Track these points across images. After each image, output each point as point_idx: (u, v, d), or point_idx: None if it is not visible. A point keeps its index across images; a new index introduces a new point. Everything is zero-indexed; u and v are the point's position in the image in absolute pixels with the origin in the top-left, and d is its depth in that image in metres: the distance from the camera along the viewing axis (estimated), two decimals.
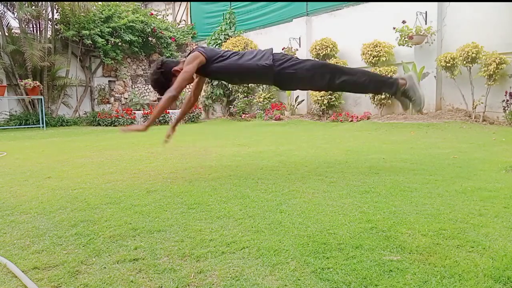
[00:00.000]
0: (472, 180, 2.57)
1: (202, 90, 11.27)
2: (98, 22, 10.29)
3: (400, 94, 2.94)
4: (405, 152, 3.90)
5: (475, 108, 6.53)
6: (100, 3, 10.77)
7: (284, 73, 2.78)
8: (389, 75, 3.11)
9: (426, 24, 7.08)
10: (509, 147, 4.10)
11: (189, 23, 12.90)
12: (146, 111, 10.26)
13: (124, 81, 11.33)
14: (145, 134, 7.18)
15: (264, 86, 9.49)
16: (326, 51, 8.28)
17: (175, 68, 2.76)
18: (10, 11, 10.05)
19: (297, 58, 2.90)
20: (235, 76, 2.96)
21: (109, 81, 11.39)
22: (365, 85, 2.91)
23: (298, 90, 9.37)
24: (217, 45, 10.72)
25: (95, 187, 2.68)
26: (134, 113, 10.21)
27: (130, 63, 11.53)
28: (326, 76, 2.82)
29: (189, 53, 2.79)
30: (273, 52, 2.83)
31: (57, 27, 10.30)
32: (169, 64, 2.80)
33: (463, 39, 6.53)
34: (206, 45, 11.21)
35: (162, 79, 2.77)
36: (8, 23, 10.09)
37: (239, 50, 9.82)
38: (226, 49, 2.92)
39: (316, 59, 2.91)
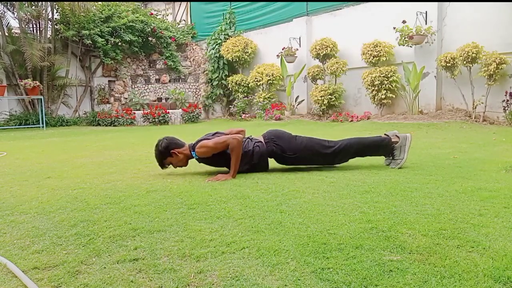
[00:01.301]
0: (472, 180, 2.57)
1: (202, 90, 11.30)
2: (98, 22, 10.29)
3: (390, 149, 3.09)
4: None
5: (475, 108, 6.52)
6: (100, 3, 10.77)
7: (283, 156, 3.04)
8: (382, 136, 3.16)
9: (426, 24, 7.08)
10: (509, 147, 4.10)
11: (189, 23, 12.89)
12: (146, 111, 10.26)
13: (124, 81, 11.32)
14: (145, 135, 7.18)
15: (264, 85, 9.50)
16: (326, 51, 8.27)
17: (174, 150, 3.00)
18: (10, 11, 10.05)
19: (294, 137, 3.06)
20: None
21: (109, 81, 11.39)
22: (360, 148, 3.07)
23: (297, 90, 9.36)
24: (217, 45, 10.72)
25: (95, 187, 2.68)
26: (134, 113, 10.21)
27: (130, 63, 11.53)
28: (324, 157, 3.06)
29: (195, 146, 2.98)
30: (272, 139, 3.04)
31: (57, 27, 10.29)
32: (171, 145, 3.02)
33: (463, 39, 6.52)
34: (206, 44, 11.20)
35: (161, 156, 3.03)
36: (8, 23, 10.10)
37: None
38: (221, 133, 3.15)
39: (310, 147, 3.06)
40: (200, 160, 3.03)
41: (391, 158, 3.11)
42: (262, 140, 3.06)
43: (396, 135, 3.07)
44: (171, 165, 3.10)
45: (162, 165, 3.08)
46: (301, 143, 3.01)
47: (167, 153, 3.00)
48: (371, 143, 3.09)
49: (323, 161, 3.10)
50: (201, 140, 3.00)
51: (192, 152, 3.00)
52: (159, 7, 13.22)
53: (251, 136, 3.16)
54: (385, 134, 3.14)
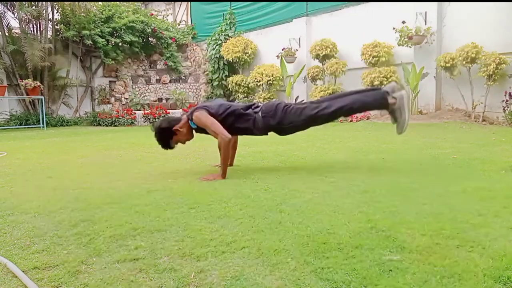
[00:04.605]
0: (472, 180, 2.57)
1: (203, 90, 11.31)
2: (99, 22, 10.29)
3: (389, 111, 3.02)
4: (405, 152, 3.90)
5: (474, 108, 6.52)
6: (100, 3, 10.77)
7: (281, 128, 3.02)
8: (381, 87, 3.08)
9: (425, 24, 7.07)
10: (509, 147, 4.10)
11: (190, 23, 12.90)
12: (147, 111, 10.26)
13: (124, 81, 11.33)
14: (145, 135, 7.18)
15: (264, 86, 9.50)
16: (326, 51, 8.27)
17: (176, 127, 2.98)
18: (10, 11, 10.05)
19: (287, 107, 3.02)
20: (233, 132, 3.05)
21: (109, 81, 11.38)
22: (355, 108, 3.02)
23: (297, 90, 9.36)
24: (217, 45, 10.72)
25: (95, 187, 2.68)
26: (135, 113, 10.21)
27: (131, 63, 11.53)
28: (319, 119, 3.02)
29: (193, 111, 2.98)
30: (264, 109, 3.02)
31: (58, 27, 10.29)
32: (170, 123, 3.00)
33: (462, 39, 6.52)
34: (207, 45, 11.21)
35: (165, 137, 3.00)
36: (8, 23, 10.09)
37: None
38: (225, 105, 3.07)
39: (309, 108, 3.01)
40: (198, 130, 3.03)
41: (392, 117, 3.05)
42: (260, 113, 3.03)
43: (392, 96, 2.96)
44: (180, 143, 3.09)
45: (169, 146, 3.05)
46: (295, 111, 2.98)
47: (171, 133, 2.98)
48: (367, 104, 3.05)
49: (320, 123, 3.10)
50: (199, 107, 2.99)
51: (190, 122, 2.99)
52: (159, 8, 13.22)
53: (254, 104, 3.11)
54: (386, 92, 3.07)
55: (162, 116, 10.06)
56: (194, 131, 3.07)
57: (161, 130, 2.99)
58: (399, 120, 2.96)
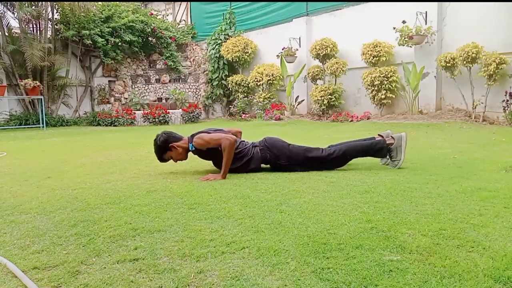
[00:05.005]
0: (472, 180, 2.57)
1: (202, 90, 11.31)
2: (98, 22, 10.29)
3: (385, 152, 3.09)
4: None
5: (475, 108, 6.52)
6: (100, 3, 10.77)
7: (277, 164, 3.07)
8: (376, 138, 3.12)
9: (426, 24, 7.07)
10: (509, 147, 4.10)
11: (189, 23, 12.89)
12: (146, 111, 10.26)
13: (124, 81, 11.32)
14: (145, 135, 7.18)
15: (264, 85, 9.50)
16: (326, 51, 8.27)
17: (173, 144, 3.02)
18: (10, 11, 10.05)
19: (290, 145, 3.08)
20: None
21: (109, 81, 11.38)
22: (353, 156, 3.11)
23: (297, 90, 9.35)
24: (217, 45, 10.72)
25: (95, 187, 2.68)
26: (134, 113, 10.21)
27: (130, 63, 11.53)
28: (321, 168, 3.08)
29: (194, 135, 3.04)
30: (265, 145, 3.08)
31: (57, 27, 10.29)
32: (169, 139, 3.04)
33: (463, 39, 6.52)
34: (206, 44, 11.21)
35: (161, 150, 3.05)
36: (8, 23, 10.10)
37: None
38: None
39: (303, 154, 3.02)
40: (195, 152, 3.06)
41: (388, 159, 3.11)
42: (259, 147, 3.09)
43: (391, 136, 3.07)
44: (171, 160, 3.11)
45: (162, 159, 3.09)
46: (296, 152, 3.04)
47: (166, 148, 3.03)
48: (366, 148, 3.11)
49: (317, 169, 3.10)
50: (201, 132, 3.05)
51: (190, 144, 3.02)
52: (159, 7, 13.21)
53: (254, 142, 3.18)
54: (378, 135, 3.15)
55: (162, 115, 10.07)
56: (190, 153, 3.10)
57: (160, 143, 3.02)
58: (395, 159, 3.05)
